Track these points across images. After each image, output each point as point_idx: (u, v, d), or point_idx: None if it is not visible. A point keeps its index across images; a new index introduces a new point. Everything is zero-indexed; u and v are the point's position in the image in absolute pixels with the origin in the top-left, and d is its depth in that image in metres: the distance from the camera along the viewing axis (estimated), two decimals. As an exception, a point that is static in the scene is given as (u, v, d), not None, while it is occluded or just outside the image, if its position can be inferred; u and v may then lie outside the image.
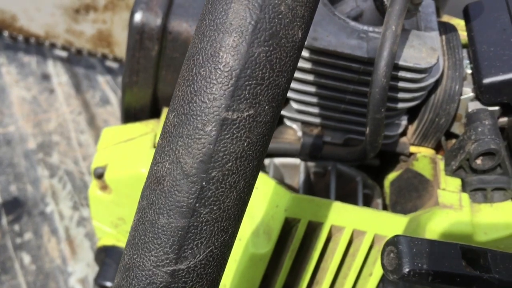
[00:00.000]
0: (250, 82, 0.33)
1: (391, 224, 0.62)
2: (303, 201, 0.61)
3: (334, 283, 0.65)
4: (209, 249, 0.35)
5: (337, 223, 0.61)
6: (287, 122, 0.73)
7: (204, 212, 0.34)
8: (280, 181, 0.75)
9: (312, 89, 0.66)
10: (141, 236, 0.35)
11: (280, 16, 0.33)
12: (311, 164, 0.74)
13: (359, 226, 0.61)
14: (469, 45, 0.71)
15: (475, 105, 0.70)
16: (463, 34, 0.75)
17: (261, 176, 0.64)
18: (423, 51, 0.63)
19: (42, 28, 1.16)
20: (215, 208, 0.34)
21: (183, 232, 0.34)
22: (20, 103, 1.25)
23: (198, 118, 0.33)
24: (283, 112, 0.71)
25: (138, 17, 0.63)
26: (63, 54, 1.21)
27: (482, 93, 0.67)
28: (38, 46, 1.25)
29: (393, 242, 0.55)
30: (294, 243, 0.62)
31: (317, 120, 0.71)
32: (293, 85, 0.66)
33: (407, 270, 0.52)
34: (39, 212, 1.09)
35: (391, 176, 0.79)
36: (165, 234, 0.34)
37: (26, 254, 1.03)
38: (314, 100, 0.68)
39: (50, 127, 1.21)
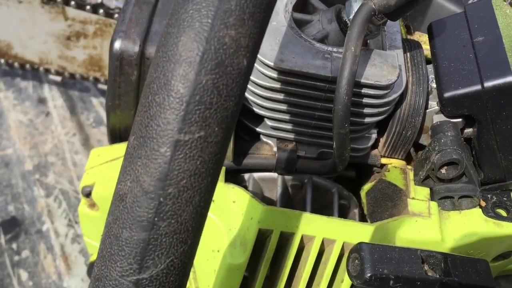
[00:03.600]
0: (199, 107, 0.37)
1: (359, 232, 0.65)
2: (275, 213, 0.65)
3: (309, 290, 0.69)
4: (169, 259, 0.39)
5: (307, 232, 0.65)
6: (264, 138, 0.77)
7: (163, 226, 0.38)
8: (259, 194, 0.79)
9: (283, 107, 0.71)
10: (108, 249, 0.39)
11: (225, 47, 0.37)
12: (288, 177, 0.78)
13: (329, 235, 0.65)
14: (432, 61, 0.75)
15: (439, 118, 0.74)
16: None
17: (238, 190, 0.68)
18: (384, 69, 0.68)
19: (36, 55, 1.22)
20: (173, 221, 0.38)
21: (144, 244, 0.38)
22: (18, 126, 1.30)
23: (154, 141, 0.37)
24: (259, 129, 0.75)
25: (117, 45, 0.67)
26: (57, 78, 1.27)
27: (444, 106, 0.71)
28: (33, 72, 1.30)
29: (357, 249, 0.59)
30: (268, 253, 0.65)
31: (291, 135, 0.75)
32: (265, 103, 0.70)
33: (368, 275, 0.56)
34: (35, 231, 1.13)
35: (367, 186, 0.82)
36: (128, 246, 0.38)
37: (23, 271, 1.08)
38: (286, 117, 0.72)
39: (46, 149, 1.26)
